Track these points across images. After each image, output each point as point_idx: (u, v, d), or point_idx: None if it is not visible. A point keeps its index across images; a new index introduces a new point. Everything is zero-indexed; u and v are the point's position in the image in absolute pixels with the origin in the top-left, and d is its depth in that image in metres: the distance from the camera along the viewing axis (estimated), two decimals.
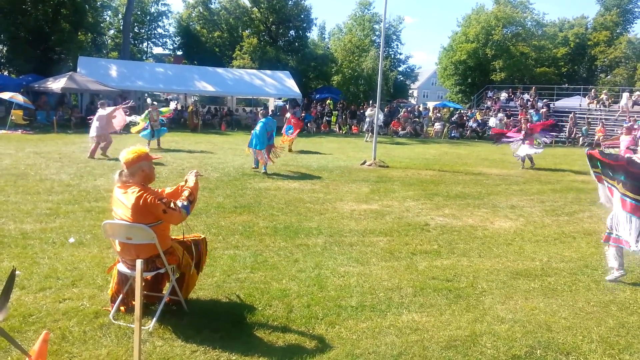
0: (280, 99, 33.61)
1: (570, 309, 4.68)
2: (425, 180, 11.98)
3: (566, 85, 39.84)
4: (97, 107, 14.80)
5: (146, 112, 15.94)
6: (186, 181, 4.27)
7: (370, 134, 19.47)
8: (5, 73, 31.33)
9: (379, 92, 15.49)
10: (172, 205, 3.81)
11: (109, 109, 14.05)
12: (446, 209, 8.91)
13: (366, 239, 6.73)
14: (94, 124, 13.60)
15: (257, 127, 12.03)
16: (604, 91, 31.46)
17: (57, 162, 12.08)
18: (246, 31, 42.07)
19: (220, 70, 32.03)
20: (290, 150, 17.14)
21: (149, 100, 23.02)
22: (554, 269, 5.82)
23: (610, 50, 42.41)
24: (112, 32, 42.66)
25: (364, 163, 14.29)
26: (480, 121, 29.76)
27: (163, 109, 18.25)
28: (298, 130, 17.99)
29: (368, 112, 24.64)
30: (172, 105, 16.46)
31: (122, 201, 3.83)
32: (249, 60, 37.67)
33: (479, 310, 4.54)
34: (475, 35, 41.74)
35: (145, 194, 3.76)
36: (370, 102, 25.90)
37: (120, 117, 14.33)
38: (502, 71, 41.38)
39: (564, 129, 27.25)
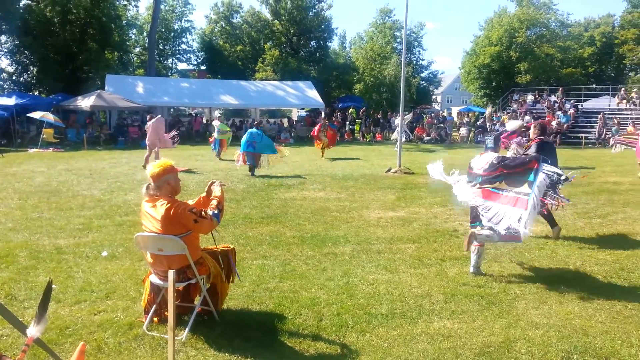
0: (302, 109, 33.79)
1: (607, 312, 4.55)
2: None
3: (594, 86, 39.03)
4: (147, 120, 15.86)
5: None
6: (208, 192, 4.32)
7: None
8: (36, 93, 32.28)
9: (402, 99, 15.44)
10: (203, 214, 3.88)
11: (149, 123, 14.59)
12: None
13: (394, 246, 6.69)
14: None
15: (245, 136, 13.95)
16: (635, 90, 30.69)
17: (88, 178, 12.37)
18: (268, 43, 42.51)
19: (243, 83, 32.44)
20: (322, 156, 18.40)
21: (216, 113, 23.61)
22: (588, 273, 5.69)
23: (639, 48, 41.42)
24: (137, 49, 43.57)
25: (389, 170, 14.23)
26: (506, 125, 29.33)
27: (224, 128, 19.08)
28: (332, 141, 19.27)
29: (397, 120, 24.14)
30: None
31: (152, 214, 3.90)
32: (271, 72, 38.03)
33: (512, 316, 4.46)
34: (498, 38, 41.31)
35: (174, 206, 3.83)
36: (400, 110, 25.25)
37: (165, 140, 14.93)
38: (527, 73, 40.80)
39: (594, 129, 26.70)
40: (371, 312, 4.50)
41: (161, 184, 3.93)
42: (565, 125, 27.54)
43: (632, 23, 42.57)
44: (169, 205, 3.83)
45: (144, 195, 3.99)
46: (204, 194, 4.36)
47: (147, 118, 15.78)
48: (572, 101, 31.17)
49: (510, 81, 40.88)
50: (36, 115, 21.17)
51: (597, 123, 26.81)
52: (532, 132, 7.78)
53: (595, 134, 26.42)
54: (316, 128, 19.17)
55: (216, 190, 4.28)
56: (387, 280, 5.33)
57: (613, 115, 27.89)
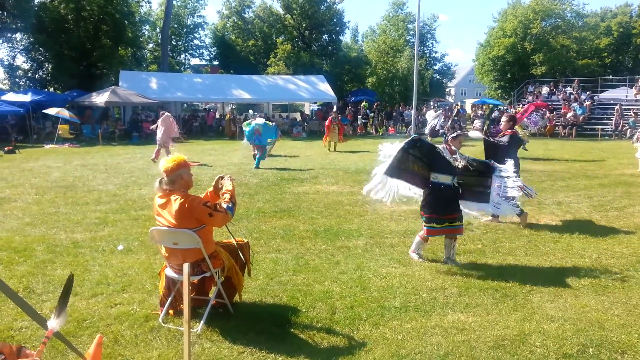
0: (315, 103, 33.77)
1: (623, 306, 4.51)
2: None
3: (610, 77, 38.43)
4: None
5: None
6: (216, 187, 4.32)
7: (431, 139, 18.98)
8: (51, 89, 32.64)
9: (415, 92, 15.41)
10: (217, 207, 3.91)
11: (158, 121, 14.85)
12: None
13: (407, 240, 6.66)
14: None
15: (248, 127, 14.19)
16: None
17: (104, 173, 12.50)
18: (280, 38, 42.50)
19: (255, 77, 32.49)
20: (329, 150, 18.59)
21: (250, 112, 23.77)
22: (604, 266, 5.63)
23: None
24: (150, 45, 43.85)
25: None
26: None
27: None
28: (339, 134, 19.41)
29: (429, 114, 22.98)
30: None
31: (165, 209, 3.93)
32: (283, 66, 38.02)
33: (527, 309, 4.43)
34: (512, 30, 40.83)
35: (188, 200, 3.86)
36: (432, 104, 23.97)
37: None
38: (542, 65, 40.31)
39: (610, 121, 26.31)
40: (384, 305, 4.50)
41: (174, 178, 3.95)
42: (581, 117, 27.18)
43: None
44: (182, 199, 3.86)
45: (156, 190, 4.02)
46: (211, 189, 4.37)
47: (159, 114, 16.03)
48: (588, 92, 30.73)
49: (525, 73, 40.42)
50: (52, 111, 21.43)
51: (614, 115, 26.41)
52: (504, 124, 7.84)
53: (612, 125, 26.04)
54: (326, 122, 19.35)
55: (227, 185, 4.28)
56: (401, 274, 5.33)
57: (630, 107, 27.46)
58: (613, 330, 4.04)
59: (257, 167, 13.46)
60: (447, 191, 5.69)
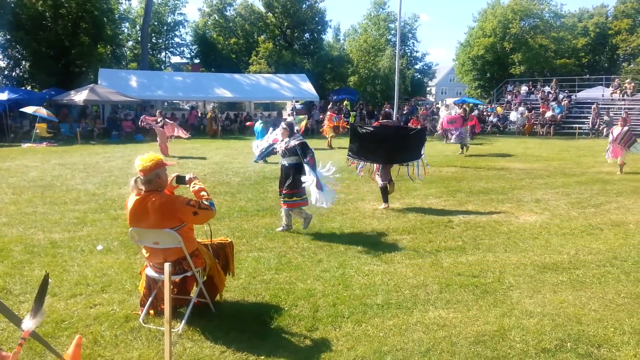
0: (297, 101, 33.74)
1: (600, 301, 4.60)
2: (446, 177, 11.90)
3: (588, 76, 39.11)
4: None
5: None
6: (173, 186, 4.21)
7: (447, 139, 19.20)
8: (29, 88, 32.03)
9: (397, 91, 15.49)
10: (201, 205, 3.88)
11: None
12: (469, 205, 8.84)
13: (389, 237, 6.71)
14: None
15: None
16: (628, 80, 30.77)
17: (82, 173, 12.32)
18: (261, 36, 42.34)
19: (237, 76, 32.33)
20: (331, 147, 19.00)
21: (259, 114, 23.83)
22: (582, 262, 5.73)
23: (633, 38, 41.53)
24: (130, 43, 43.29)
25: None
26: (500, 116, 29.41)
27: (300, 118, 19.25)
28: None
29: (442, 111, 22.01)
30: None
31: (143, 209, 3.86)
32: (265, 65, 37.88)
33: (506, 305, 4.50)
34: (492, 30, 41.27)
35: (170, 200, 3.83)
36: (445, 101, 23.97)
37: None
38: (521, 64, 40.83)
39: (587, 120, 26.77)
40: (367, 303, 4.52)
41: (151, 177, 3.87)
42: (559, 116, 27.62)
43: (625, 13, 42.70)
44: (164, 199, 3.82)
45: (132, 189, 3.94)
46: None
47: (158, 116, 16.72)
48: (565, 92, 31.24)
49: (504, 72, 40.91)
50: (29, 110, 21.02)
51: (591, 113, 26.89)
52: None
53: (589, 124, 26.51)
54: (326, 120, 19.49)
55: (197, 183, 4.19)
56: (383, 271, 5.36)
57: (607, 106, 27.97)
58: (590, 324, 4.11)
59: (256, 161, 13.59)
60: (283, 170, 7.06)
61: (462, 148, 17.16)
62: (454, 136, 17.33)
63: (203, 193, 4.10)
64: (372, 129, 9.58)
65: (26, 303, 4.38)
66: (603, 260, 5.79)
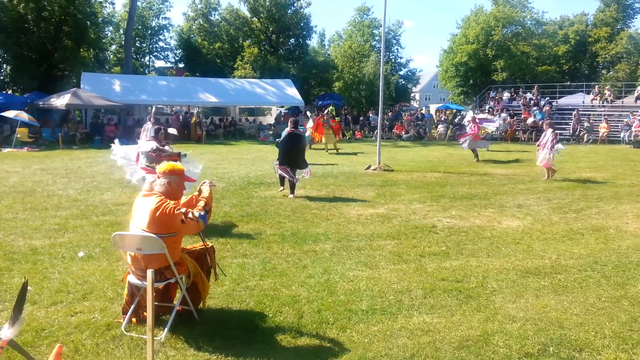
0: (282, 107, 33.75)
1: (581, 305, 4.66)
2: (430, 183, 11.97)
3: (568, 83, 39.72)
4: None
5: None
6: (200, 191, 4.33)
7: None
8: (10, 92, 31.56)
9: (382, 97, 15.52)
10: (190, 215, 3.86)
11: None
12: (453, 210, 8.90)
13: (374, 243, 6.73)
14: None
15: None
16: (607, 87, 31.32)
17: (64, 178, 12.16)
18: (247, 41, 42.24)
19: (222, 81, 32.21)
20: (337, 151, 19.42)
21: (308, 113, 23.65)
22: (563, 266, 5.80)
23: (612, 46, 42.32)
24: (114, 47, 42.88)
25: (368, 168, 14.30)
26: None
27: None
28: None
29: (468, 116, 20.94)
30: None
31: (143, 206, 3.89)
32: (250, 70, 37.83)
33: (490, 310, 4.53)
34: (475, 37, 41.73)
35: (165, 203, 3.82)
36: (470, 111, 22.90)
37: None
38: (503, 71, 41.33)
39: (568, 126, 27.15)
40: (351, 309, 4.52)
41: (163, 181, 4.00)
42: (540, 122, 27.93)
43: (605, 22, 43.52)
44: (160, 202, 3.82)
45: (144, 188, 4.02)
46: (196, 193, 4.38)
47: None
48: (547, 98, 31.67)
49: (487, 79, 41.39)
50: (10, 114, 20.69)
51: (572, 120, 27.29)
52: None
53: (569, 130, 26.89)
54: (313, 126, 19.41)
55: (205, 191, 4.28)
56: (367, 277, 5.36)
57: (587, 112, 28.42)
58: (572, 329, 4.16)
59: None
60: None
61: (475, 155, 16.99)
62: (467, 142, 16.97)
63: (200, 203, 4.13)
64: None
65: (5, 311, 4.30)
66: (584, 264, 5.87)
